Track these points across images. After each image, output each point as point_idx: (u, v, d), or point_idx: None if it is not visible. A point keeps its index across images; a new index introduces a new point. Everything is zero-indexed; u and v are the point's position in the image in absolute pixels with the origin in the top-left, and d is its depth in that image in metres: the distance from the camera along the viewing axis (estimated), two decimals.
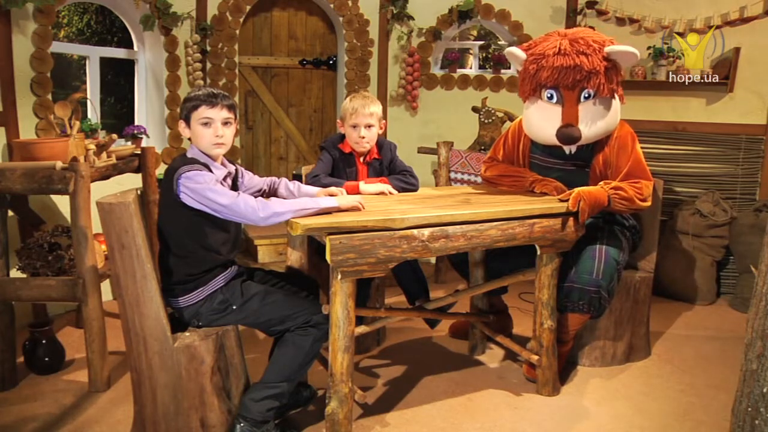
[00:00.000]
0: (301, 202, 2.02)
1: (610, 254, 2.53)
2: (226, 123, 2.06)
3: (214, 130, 2.04)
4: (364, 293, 2.70)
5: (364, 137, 2.58)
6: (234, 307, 2.08)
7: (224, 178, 2.11)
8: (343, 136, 2.67)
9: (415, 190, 2.65)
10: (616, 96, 2.57)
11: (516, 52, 2.63)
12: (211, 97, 2.03)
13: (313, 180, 2.53)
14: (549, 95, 2.55)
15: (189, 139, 2.10)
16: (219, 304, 2.07)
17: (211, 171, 2.03)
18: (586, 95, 2.50)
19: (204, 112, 2.02)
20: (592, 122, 2.51)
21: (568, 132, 2.50)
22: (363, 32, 4.39)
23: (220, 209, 1.94)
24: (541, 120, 2.59)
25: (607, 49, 2.46)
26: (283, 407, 2.17)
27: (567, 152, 2.63)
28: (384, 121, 2.69)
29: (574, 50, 2.45)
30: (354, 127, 2.58)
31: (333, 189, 2.31)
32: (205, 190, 1.93)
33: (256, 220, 1.93)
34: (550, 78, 2.49)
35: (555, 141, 2.56)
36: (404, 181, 2.63)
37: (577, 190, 2.41)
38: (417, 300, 2.66)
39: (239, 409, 2.07)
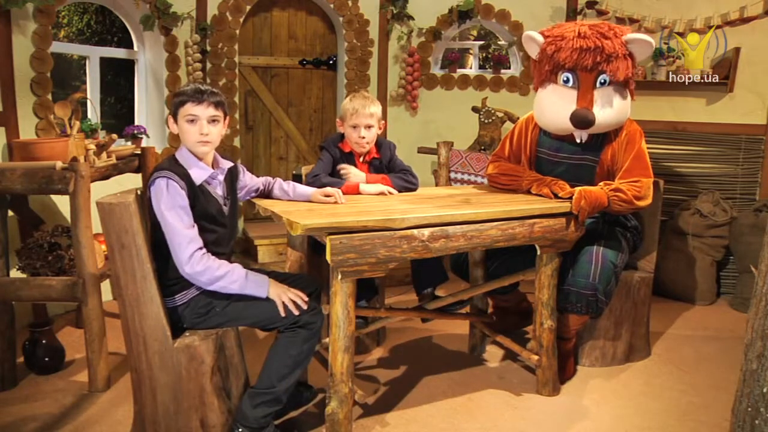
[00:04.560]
0: (232, 278, 1.98)
1: (608, 257, 2.53)
2: (212, 121, 2.01)
3: (199, 127, 1.99)
4: (371, 290, 2.71)
5: (364, 137, 2.58)
6: (218, 309, 2.04)
7: (211, 178, 2.06)
8: (342, 136, 2.68)
9: (415, 189, 2.65)
10: (627, 91, 2.56)
11: (534, 35, 2.61)
12: (197, 94, 1.98)
13: (313, 179, 2.53)
14: (565, 78, 2.54)
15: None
16: (202, 307, 2.03)
17: (189, 177, 1.98)
18: (602, 81, 2.49)
19: (189, 109, 1.98)
20: (606, 109, 2.49)
21: (583, 114, 2.47)
22: (363, 32, 4.39)
23: (165, 229, 1.93)
24: (556, 103, 2.56)
25: (626, 36, 2.46)
26: (282, 409, 2.16)
27: (578, 140, 2.60)
28: (383, 122, 2.69)
29: (594, 33, 2.45)
30: (354, 127, 2.58)
31: (329, 189, 2.31)
32: (159, 203, 1.92)
33: (183, 268, 1.93)
34: (569, 59, 2.47)
35: (568, 125, 2.53)
36: (404, 179, 2.64)
37: (578, 189, 2.41)
38: (424, 290, 2.67)
39: (236, 416, 2.05)
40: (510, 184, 2.71)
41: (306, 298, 2.06)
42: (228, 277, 1.96)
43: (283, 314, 2.01)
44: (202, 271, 1.93)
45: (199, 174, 2.03)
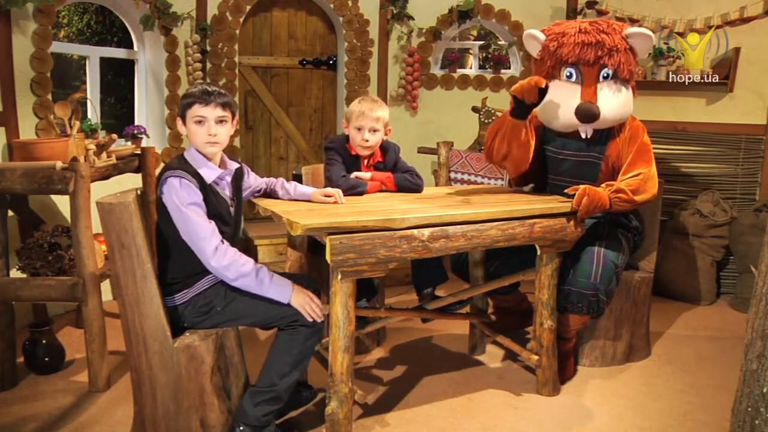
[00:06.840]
0: (262, 280, 2.01)
1: (609, 258, 2.53)
2: (220, 121, 2.02)
3: (207, 128, 2.00)
4: (371, 290, 2.71)
5: (367, 140, 2.57)
6: (218, 309, 2.04)
7: (219, 178, 2.08)
8: (348, 138, 2.67)
9: (419, 191, 2.65)
10: (629, 86, 2.58)
11: (535, 33, 2.63)
12: (204, 95, 1.99)
13: (340, 180, 2.48)
14: (568, 74, 2.55)
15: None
16: (202, 307, 2.03)
17: (200, 176, 1.99)
18: (605, 75, 2.51)
19: (197, 110, 1.99)
20: (610, 102, 2.51)
21: (587, 107, 2.48)
22: (363, 32, 4.39)
23: (182, 229, 1.93)
24: (560, 99, 2.57)
25: (627, 30, 2.50)
26: (282, 408, 2.16)
27: (583, 135, 2.60)
28: (390, 128, 2.67)
29: (594, 29, 2.49)
30: (358, 129, 2.57)
31: (329, 189, 2.31)
32: (178, 204, 1.92)
33: (209, 261, 1.93)
34: (572, 54, 2.50)
35: (573, 120, 2.53)
36: (409, 180, 2.64)
37: (582, 186, 2.42)
38: (424, 290, 2.67)
39: (236, 414, 2.05)
40: (504, 136, 2.56)
41: (324, 309, 2.08)
42: (253, 274, 1.98)
43: (309, 320, 2.04)
44: (228, 265, 1.94)
45: (208, 174, 2.03)
